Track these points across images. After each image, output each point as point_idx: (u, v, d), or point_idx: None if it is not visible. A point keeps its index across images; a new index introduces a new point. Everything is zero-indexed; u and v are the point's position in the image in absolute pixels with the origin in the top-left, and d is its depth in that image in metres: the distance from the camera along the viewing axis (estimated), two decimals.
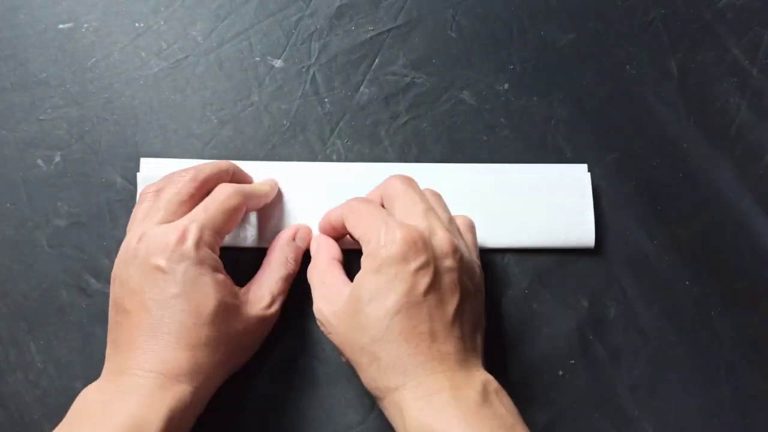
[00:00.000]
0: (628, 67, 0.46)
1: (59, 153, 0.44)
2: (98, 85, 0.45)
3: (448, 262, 0.34)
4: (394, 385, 0.33)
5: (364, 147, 0.45)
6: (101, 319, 0.42)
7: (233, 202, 0.37)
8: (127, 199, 0.44)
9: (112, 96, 0.45)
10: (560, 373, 0.42)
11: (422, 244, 0.34)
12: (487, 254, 0.43)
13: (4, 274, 0.43)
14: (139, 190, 0.43)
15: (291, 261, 0.40)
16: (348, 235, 0.41)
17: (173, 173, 0.39)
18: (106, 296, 0.42)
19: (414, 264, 0.33)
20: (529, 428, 0.40)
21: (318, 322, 0.37)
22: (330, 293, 0.37)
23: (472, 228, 0.40)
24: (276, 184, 0.43)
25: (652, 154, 0.45)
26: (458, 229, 0.38)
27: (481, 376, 0.34)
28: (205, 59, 0.46)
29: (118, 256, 0.37)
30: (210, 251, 0.35)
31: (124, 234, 0.43)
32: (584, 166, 0.44)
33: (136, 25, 0.46)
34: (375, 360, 0.33)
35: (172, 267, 0.34)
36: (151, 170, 0.44)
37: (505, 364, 0.42)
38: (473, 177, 0.44)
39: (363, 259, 0.35)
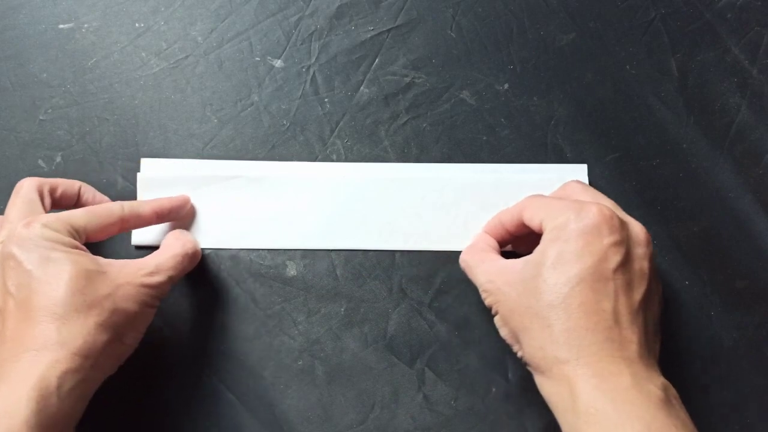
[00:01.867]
0: (628, 67, 0.46)
1: (60, 153, 0.44)
2: (98, 85, 0.45)
3: (641, 250, 0.34)
4: (565, 358, 0.32)
5: (364, 147, 0.45)
6: None
7: (103, 212, 0.38)
8: (128, 199, 0.44)
9: (113, 96, 0.45)
10: None
11: (618, 222, 0.33)
12: None
13: None
14: (139, 189, 0.43)
15: (189, 242, 0.40)
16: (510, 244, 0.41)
17: None
18: None
19: (608, 239, 0.33)
20: (529, 428, 0.41)
21: (484, 293, 0.37)
22: (497, 266, 0.37)
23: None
24: (187, 199, 0.43)
25: (652, 154, 0.45)
26: None
27: (660, 377, 0.32)
28: (205, 59, 0.46)
29: None
30: (60, 234, 0.35)
31: (124, 234, 0.43)
32: (584, 167, 0.44)
33: (137, 25, 0.46)
34: (547, 327, 0.32)
35: (23, 250, 0.34)
36: (152, 170, 0.44)
37: (506, 364, 0.42)
38: (473, 177, 0.44)
39: (546, 234, 0.35)
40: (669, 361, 0.42)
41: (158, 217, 0.41)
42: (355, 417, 0.41)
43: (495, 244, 0.40)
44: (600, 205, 0.34)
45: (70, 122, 0.45)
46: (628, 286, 0.33)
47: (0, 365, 0.33)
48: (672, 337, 0.43)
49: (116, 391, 0.39)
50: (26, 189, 0.39)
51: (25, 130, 0.45)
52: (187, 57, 0.46)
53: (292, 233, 0.43)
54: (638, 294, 0.33)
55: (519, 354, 0.36)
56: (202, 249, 0.43)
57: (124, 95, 0.45)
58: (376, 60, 0.46)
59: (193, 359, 0.42)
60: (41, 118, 0.45)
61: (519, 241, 0.41)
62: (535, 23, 0.47)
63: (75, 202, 0.41)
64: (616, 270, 0.33)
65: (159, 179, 0.43)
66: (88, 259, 0.35)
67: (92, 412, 0.39)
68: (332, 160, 0.45)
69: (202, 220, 0.43)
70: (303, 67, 0.46)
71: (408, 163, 0.44)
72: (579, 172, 0.44)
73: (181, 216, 0.43)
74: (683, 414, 0.31)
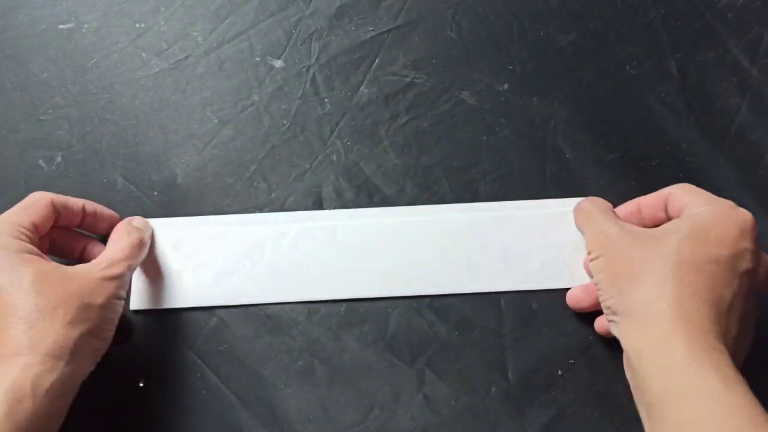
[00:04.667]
0: (628, 67, 0.46)
1: (60, 153, 0.44)
2: (99, 85, 0.45)
3: (762, 278, 0.36)
4: (674, 317, 0.33)
5: (364, 147, 0.45)
6: None
7: (30, 200, 0.38)
8: (128, 199, 0.44)
9: (113, 96, 0.45)
10: (560, 373, 0.42)
11: (755, 237, 0.36)
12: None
13: None
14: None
15: (134, 232, 0.41)
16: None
17: None
18: None
19: (748, 244, 0.35)
20: (529, 428, 0.41)
21: (600, 234, 0.39)
22: (621, 221, 0.39)
23: None
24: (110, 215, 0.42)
25: (652, 154, 0.45)
26: None
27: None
28: (206, 59, 0.46)
29: None
30: (13, 239, 0.36)
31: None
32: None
33: (137, 25, 0.46)
34: (665, 283, 0.34)
35: None
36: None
37: (506, 364, 0.42)
38: (472, 216, 0.43)
39: (692, 210, 0.37)
40: None
41: (84, 213, 0.41)
42: (355, 417, 0.41)
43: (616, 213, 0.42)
44: (751, 215, 0.36)
45: (70, 122, 0.45)
46: (746, 293, 0.35)
47: None
48: None
49: (115, 391, 0.39)
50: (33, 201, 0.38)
51: (26, 130, 0.45)
52: (187, 57, 0.46)
53: (293, 285, 0.42)
54: (749, 305, 0.35)
55: (608, 302, 0.37)
56: (213, 306, 0.42)
57: (124, 95, 0.45)
58: (376, 60, 0.46)
59: (192, 359, 0.42)
60: (41, 118, 0.45)
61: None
62: (536, 24, 0.47)
63: (81, 219, 0.41)
64: (744, 272, 0.34)
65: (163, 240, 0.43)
66: (43, 260, 0.36)
67: (91, 413, 0.39)
68: (332, 160, 0.45)
69: (206, 276, 0.42)
70: (303, 68, 0.46)
71: (405, 207, 0.44)
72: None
73: (100, 228, 0.42)
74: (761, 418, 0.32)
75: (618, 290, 0.36)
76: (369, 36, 0.46)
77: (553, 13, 0.47)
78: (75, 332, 0.35)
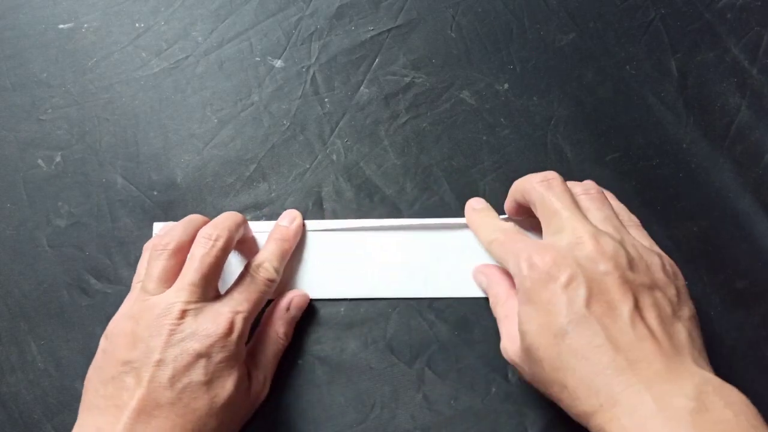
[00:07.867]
0: (628, 67, 0.46)
1: (60, 153, 0.44)
2: (99, 85, 0.45)
3: (602, 267, 0.32)
4: (591, 410, 0.30)
5: (364, 146, 0.45)
6: (102, 319, 0.42)
7: (269, 292, 0.39)
8: (128, 199, 0.44)
9: (113, 96, 0.45)
10: None
11: (562, 258, 0.32)
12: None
13: (5, 274, 0.43)
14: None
15: (282, 336, 0.40)
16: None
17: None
18: (107, 296, 0.42)
19: (562, 279, 0.32)
20: (529, 428, 0.41)
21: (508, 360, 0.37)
22: (511, 330, 0.36)
23: (637, 224, 0.38)
24: (298, 228, 0.42)
25: (652, 154, 0.45)
26: (618, 225, 0.35)
27: (693, 377, 0.30)
28: (206, 59, 0.46)
29: (140, 311, 0.35)
30: (244, 345, 0.37)
31: (124, 234, 0.43)
32: None
33: (137, 25, 0.46)
34: (564, 388, 0.31)
35: (210, 355, 0.34)
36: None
37: (506, 364, 0.42)
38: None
39: (516, 289, 0.34)
40: None
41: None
42: (355, 417, 0.41)
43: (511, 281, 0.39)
44: (539, 251, 0.33)
45: (69, 122, 0.45)
46: (610, 308, 0.31)
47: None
48: None
49: None
50: (225, 242, 0.37)
51: (25, 129, 0.45)
52: (187, 57, 0.46)
53: (300, 285, 0.43)
54: (626, 307, 0.31)
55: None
56: None
57: (124, 95, 0.45)
58: (376, 60, 0.46)
59: None
60: (41, 117, 0.45)
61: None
62: (535, 23, 0.47)
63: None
64: (588, 303, 0.31)
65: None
66: (243, 384, 0.36)
67: None
68: (332, 160, 0.45)
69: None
70: (303, 67, 0.46)
71: (431, 219, 0.43)
72: None
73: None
74: (727, 412, 0.28)
75: (559, 404, 0.34)
76: (369, 36, 0.46)
77: (552, 13, 0.47)
78: None
